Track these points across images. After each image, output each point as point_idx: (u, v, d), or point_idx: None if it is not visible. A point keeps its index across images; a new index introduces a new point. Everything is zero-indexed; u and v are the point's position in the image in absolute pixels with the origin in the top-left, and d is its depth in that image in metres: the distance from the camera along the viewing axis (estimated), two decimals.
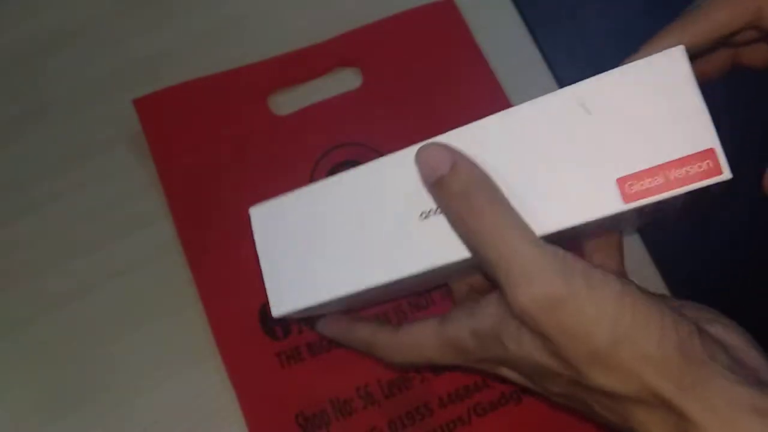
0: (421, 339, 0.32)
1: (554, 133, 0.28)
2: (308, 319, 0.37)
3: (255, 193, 0.41)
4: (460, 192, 0.28)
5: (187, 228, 0.41)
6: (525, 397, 0.37)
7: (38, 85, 0.46)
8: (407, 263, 0.30)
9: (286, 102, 0.45)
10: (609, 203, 0.27)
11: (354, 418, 0.36)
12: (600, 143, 0.27)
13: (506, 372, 0.31)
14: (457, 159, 0.28)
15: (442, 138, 0.30)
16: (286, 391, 0.37)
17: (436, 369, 0.36)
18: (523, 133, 0.28)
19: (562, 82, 0.46)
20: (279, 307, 0.32)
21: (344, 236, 0.31)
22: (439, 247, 0.29)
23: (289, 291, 0.32)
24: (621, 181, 0.27)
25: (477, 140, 0.29)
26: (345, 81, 0.45)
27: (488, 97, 0.44)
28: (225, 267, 0.40)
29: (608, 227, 0.32)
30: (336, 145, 0.43)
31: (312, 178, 0.42)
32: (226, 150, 0.43)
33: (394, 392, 0.37)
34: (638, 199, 0.27)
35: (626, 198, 0.27)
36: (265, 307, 0.39)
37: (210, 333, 0.38)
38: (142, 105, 0.43)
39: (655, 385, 0.26)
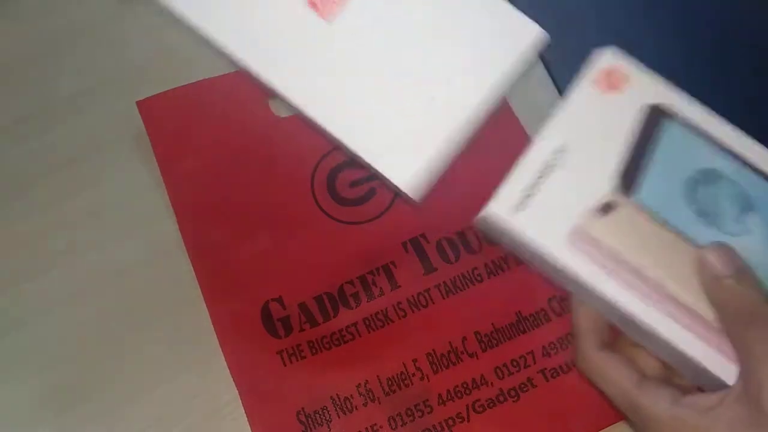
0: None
1: None
2: None
3: (256, 193, 0.42)
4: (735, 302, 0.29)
5: (190, 228, 0.41)
6: (523, 395, 0.38)
7: (42, 86, 0.46)
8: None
9: (288, 104, 0.45)
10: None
11: (354, 414, 0.37)
12: None
13: None
14: (740, 270, 0.29)
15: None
16: (288, 389, 0.37)
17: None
18: None
19: (564, 91, 0.46)
20: None
21: None
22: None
23: None
24: None
25: None
26: None
27: None
28: (227, 266, 0.40)
29: None
30: (336, 146, 0.43)
31: (313, 179, 0.43)
32: (228, 151, 0.43)
33: (393, 389, 0.37)
34: None
35: None
36: (268, 305, 0.39)
37: (213, 331, 0.39)
38: (146, 106, 0.44)
39: None
